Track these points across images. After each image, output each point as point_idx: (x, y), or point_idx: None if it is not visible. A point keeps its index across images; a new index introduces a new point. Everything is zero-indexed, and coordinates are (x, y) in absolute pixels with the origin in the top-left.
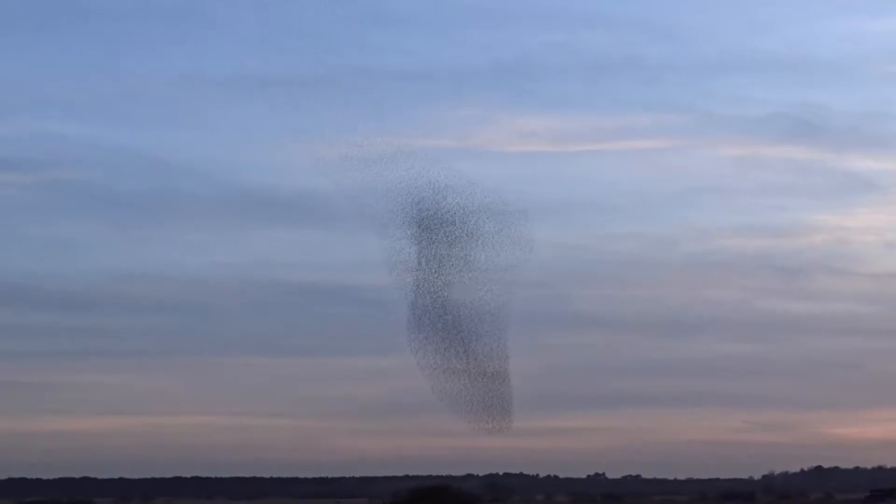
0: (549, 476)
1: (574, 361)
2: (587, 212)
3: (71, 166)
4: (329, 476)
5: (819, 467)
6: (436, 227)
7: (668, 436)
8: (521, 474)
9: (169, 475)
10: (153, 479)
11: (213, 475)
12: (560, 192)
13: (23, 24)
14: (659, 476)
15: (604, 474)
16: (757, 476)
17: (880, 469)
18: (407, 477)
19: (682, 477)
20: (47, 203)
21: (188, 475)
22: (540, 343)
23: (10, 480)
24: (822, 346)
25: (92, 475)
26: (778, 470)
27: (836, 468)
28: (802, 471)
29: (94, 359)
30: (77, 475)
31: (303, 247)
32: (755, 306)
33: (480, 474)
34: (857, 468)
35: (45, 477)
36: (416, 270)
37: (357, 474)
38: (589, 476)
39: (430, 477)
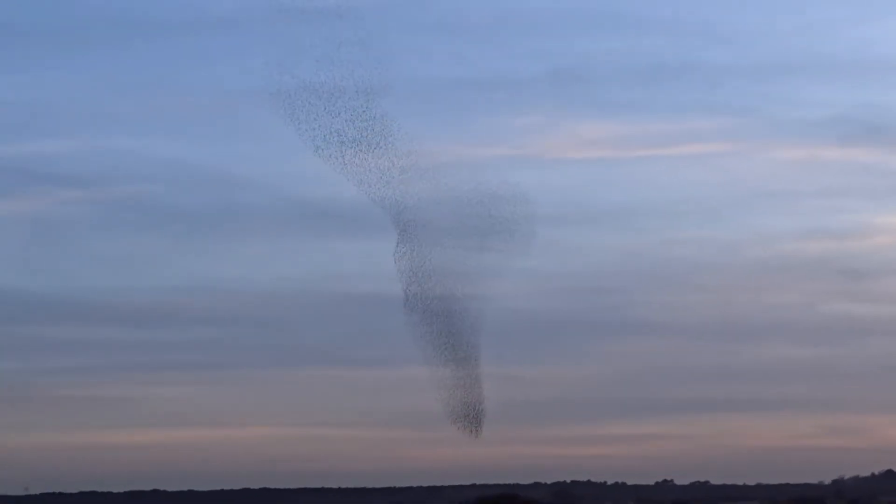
0: (616, 483)
1: (639, 368)
2: (649, 218)
3: (132, 181)
4: (397, 486)
5: (890, 471)
6: (495, 235)
7: (737, 441)
8: (588, 482)
9: (238, 487)
10: (222, 491)
11: (281, 486)
12: (621, 198)
13: (81, 42)
14: (728, 482)
15: (672, 480)
16: (827, 481)
17: None
18: (474, 486)
19: (751, 482)
20: (110, 219)
21: (256, 486)
22: (605, 350)
23: (81, 494)
24: (889, 348)
25: (161, 487)
26: (848, 474)
27: None
28: (873, 475)
29: (160, 372)
30: (147, 488)
31: (366, 257)
32: (819, 310)
33: (548, 482)
34: None
35: (115, 490)
36: (473, 279)
37: (425, 483)
38: (657, 482)
39: (497, 485)
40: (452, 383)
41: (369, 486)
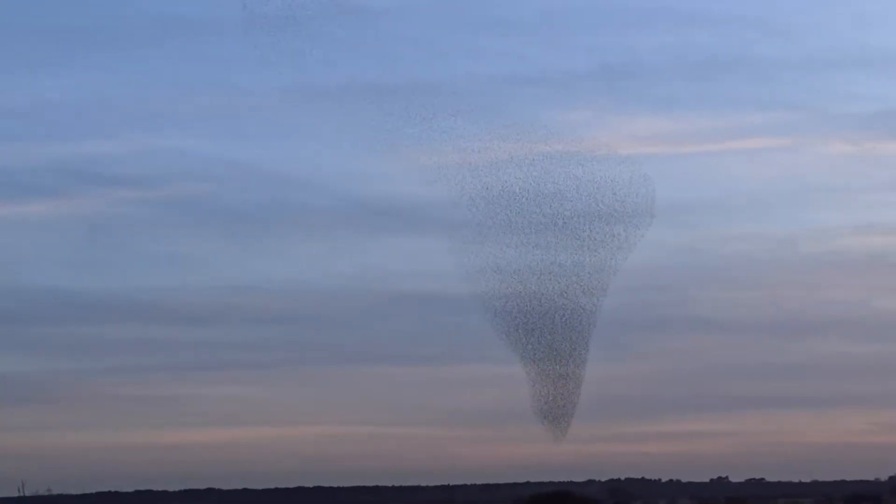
0: (671, 480)
1: (694, 364)
2: (703, 213)
3: (185, 181)
4: (451, 483)
5: None
6: (550, 231)
7: (792, 438)
8: (642, 479)
9: (293, 485)
10: (277, 490)
11: (335, 485)
12: (674, 194)
13: (133, 42)
14: (783, 479)
15: (727, 478)
16: (883, 477)
17: None
18: (528, 483)
19: (806, 479)
20: (163, 218)
21: (311, 485)
22: (660, 347)
23: (137, 492)
24: None
25: (217, 486)
26: None
27: None
28: None
29: (215, 372)
30: (202, 486)
31: (420, 255)
32: (875, 305)
33: (602, 480)
34: None
35: (171, 489)
36: (521, 276)
37: (479, 481)
38: (712, 480)
39: (551, 483)
40: (544, 382)
41: (423, 483)
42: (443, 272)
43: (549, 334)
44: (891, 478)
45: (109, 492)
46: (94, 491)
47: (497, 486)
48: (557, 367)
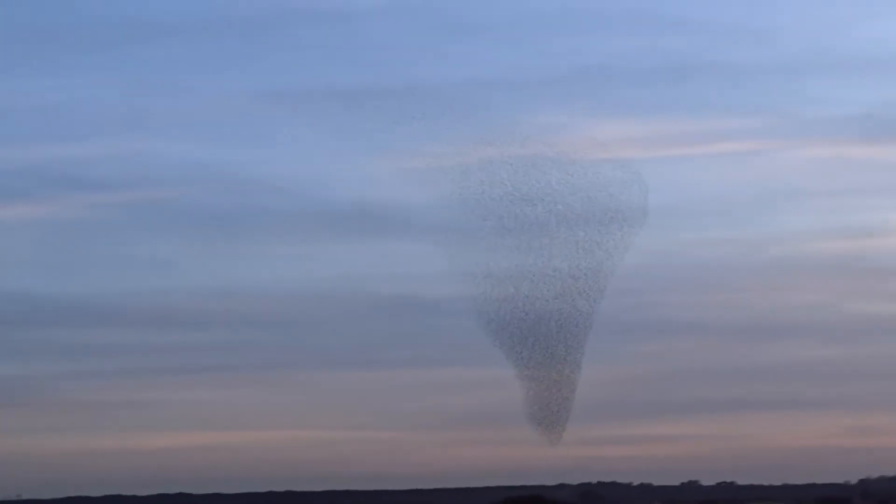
0: (642, 484)
1: (664, 368)
2: (673, 217)
3: (160, 185)
4: (422, 488)
5: None
6: (521, 235)
7: (763, 441)
8: (614, 483)
9: (263, 489)
10: (248, 494)
11: (307, 489)
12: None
13: (107, 45)
14: (754, 482)
15: (698, 481)
16: (853, 481)
17: None
18: (500, 487)
19: (777, 482)
20: (137, 222)
21: (282, 489)
22: (630, 351)
23: (107, 497)
24: None
25: (187, 490)
26: (874, 474)
27: None
28: None
29: (190, 375)
30: (172, 491)
31: (393, 259)
32: (845, 309)
33: (573, 483)
34: None
35: (140, 493)
36: (501, 280)
37: (450, 485)
38: (683, 483)
39: (523, 487)
40: (538, 385)
41: (396, 487)
42: (419, 276)
43: (543, 339)
44: (861, 481)
45: (80, 497)
46: (64, 496)
47: (469, 489)
48: (552, 371)
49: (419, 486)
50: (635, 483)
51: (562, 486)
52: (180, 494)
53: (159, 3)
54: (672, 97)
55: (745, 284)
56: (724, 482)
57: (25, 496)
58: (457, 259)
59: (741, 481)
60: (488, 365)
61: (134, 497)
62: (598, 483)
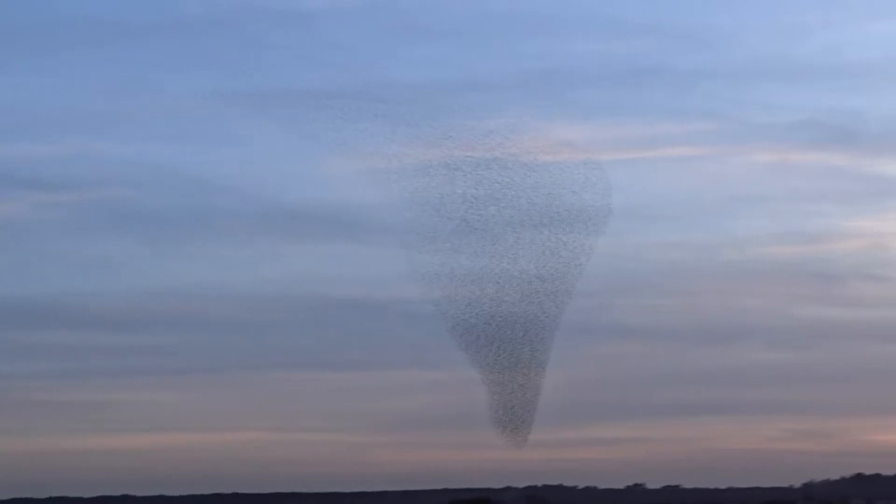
0: (587, 487)
1: (611, 372)
2: (624, 221)
3: (108, 185)
4: (370, 490)
5: (860, 474)
6: (480, 237)
7: (708, 444)
8: (560, 486)
9: (209, 492)
10: (194, 496)
11: (254, 491)
12: (596, 201)
13: (54, 44)
14: (699, 485)
15: (643, 485)
16: (797, 484)
17: None
18: (447, 490)
19: (722, 486)
20: (85, 222)
21: (229, 491)
22: (580, 354)
23: (51, 499)
24: (860, 352)
25: (132, 493)
26: (818, 478)
27: (878, 475)
28: (843, 478)
29: (136, 377)
30: (117, 493)
31: (344, 261)
32: (793, 314)
33: (519, 486)
34: None
35: (86, 495)
36: (457, 283)
37: (399, 488)
38: (628, 487)
39: (469, 490)
40: (503, 389)
41: (346, 490)
42: (367, 278)
43: (508, 342)
44: (804, 484)
45: (24, 498)
46: (7, 497)
47: (416, 492)
48: (517, 374)
49: (366, 489)
50: (580, 486)
51: (508, 489)
52: (124, 497)
53: (109, 2)
54: (621, 102)
55: (696, 289)
56: (670, 486)
57: None
58: (410, 261)
59: (686, 485)
60: (438, 368)
61: (79, 499)
62: (544, 486)
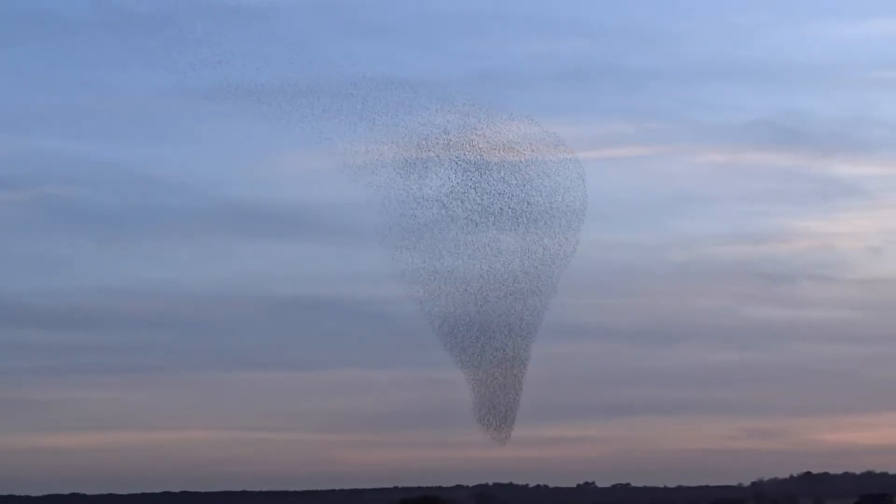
0: (538, 486)
1: (562, 371)
2: (574, 220)
3: (57, 183)
4: (322, 489)
5: (808, 473)
6: (424, 237)
7: (658, 444)
8: (510, 484)
9: (159, 490)
10: (143, 495)
11: (203, 490)
12: (545, 201)
13: (5, 41)
14: (649, 484)
15: (594, 483)
16: (746, 483)
17: (869, 474)
18: (398, 489)
19: (671, 485)
20: (34, 220)
21: (177, 490)
22: (530, 354)
23: (1, 498)
24: (809, 352)
25: (81, 491)
26: (767, 476)
27: (826, 474)
28: (791, 477)
29: (84, 375)
30: (66, 491)
31: (296, 260)
32: (742, 314)
33: (470, 485)
34: (846, 473)
35: (34, 494)
36: (413, 283)
37: (349, 486)
38: (579, 485)
39: (419, 488)
40: (486, 387)
41: (293, 489)
42: (318, 276)
43: (490, 339)
44: (753, 483)
45: None
46: None
47: (367, 491)
48: (499, 371)
49: (316, 488)
50: (531, 485)
51: (458, 488)
52: (73, 495)
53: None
54: (571, 101)
55: (645, 288)
56: (620, 484)
57: None
58: (357, 260)
59: (636, 483)
60: (387, 367)
61: (27, 497)
62: (495, 485)
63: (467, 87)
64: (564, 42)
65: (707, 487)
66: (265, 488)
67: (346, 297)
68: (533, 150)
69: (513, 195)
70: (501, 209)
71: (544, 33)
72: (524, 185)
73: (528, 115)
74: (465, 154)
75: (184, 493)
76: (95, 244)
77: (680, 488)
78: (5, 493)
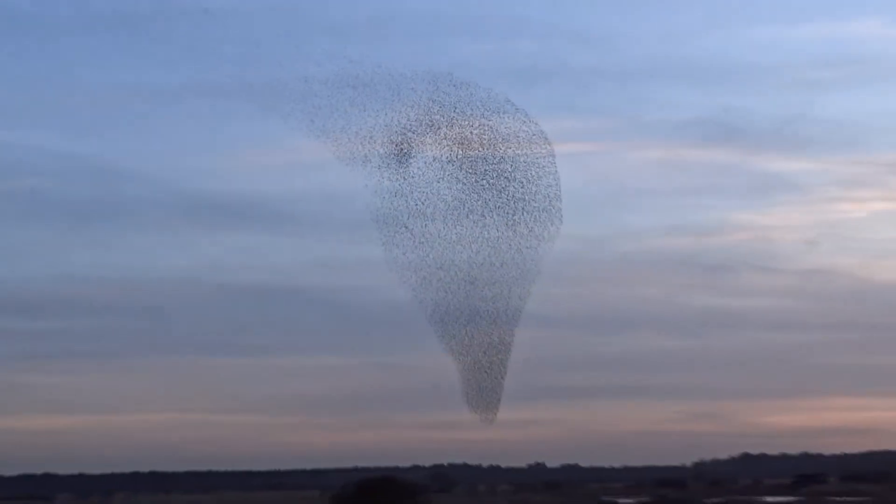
0: (491, 466)
1: (514, 357)
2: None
3: (19, 174)
4: (281, 469)
5: (747, 454)
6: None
7: (605, 426)
8: (464, 465)
9: (128, 470)
10: (112, 475)
11: (169, 470)
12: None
13: None
14: (596, 464)
15: (544, 463)
16: (688, 463)
17: (805, 455)
18: (356, 469)
19: (618, 465)
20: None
21: (146, 470)
22: (483, 341)
23: None
24: (747, 339)
25: (53, 471)
26: (708, 457)
27: (763, 455)
28: (731, 458)
29: (48, 361)
30: (38, 471)
31: (249, 250)
32: (684, 302)
33: (426, 465)
34: (782, 455)
35: (5, 474)
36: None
37: (308, 467)
38: (530, 465)
39: (377, 469)
40: (475, 371)
41: (254, 469)
42: (273, 266)
43: (474, 326)
44: (695, 463)
45: None
46: None
47: (325, 471)
48: (485, 357)
49: (278, 468)
50: (485, 465)
51: (415, 468)
52: (45, 475)
53: None
54: (519, 100)
55: (593, 278)
56: (568, 464)
57: None
58: (310, 250)
59: (584, 463)
60: (343, 352)
61: (1, 478)
62: (450, 465)
63: (419, 85)
64: (512, 42)
65: (651, 468)
66: (228, 468)
67: (299, 285)
68: (511, 145)
69: (492, 188)
70: (479, 202)
71: (492, 33)
72: (505, 177)
73: (478, 113)
74: (415, 151)
75: (153, 473)
76: (56, 233)
77: (626, 468)
78: None
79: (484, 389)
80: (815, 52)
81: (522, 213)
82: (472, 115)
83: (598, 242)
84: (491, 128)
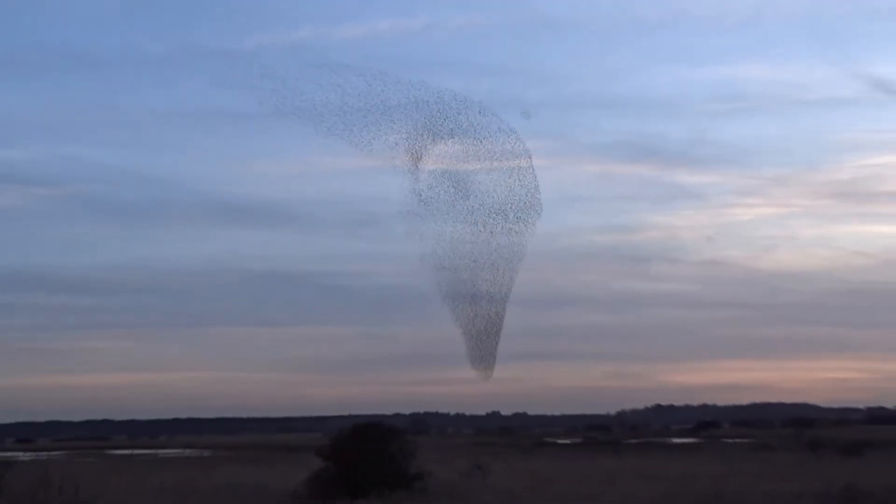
0: (457, 414)
1: (476, 328)
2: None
3: (82, 182)
4: (292, 416)
5: (658, 405)
6: (370, 227)
7: (548, 382)
8: (437, 412)
9: (169, 417)
10: (157, 420)
11: (202, 416)
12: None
13: (44, 70)
14: (540, 413)
15: (499, 412)
16: (612, 412)
17: (704, 406)
18: (350, 416)
19: (557, 413)
20: (64, 210)
21: (184, 417)
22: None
23: (49, 422)
24: (660, 315)
25: (110, 417)
26: (628, 408)
27: (672, 405)
28: (646, 408)
29: (106, 330)
30: (98, 417)
31: (262, 243)
32: (611, 286)
33: (406, 413)
34: (686, 405)
35: (73, 419)
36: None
37: (313, 414)
38: (487, 413)
39: (366, 416)
40: (475, 339)
41: (270, 416)
42: (280, 255)
43: (476, 304)
44: (617, 412)
45: (23, 423)
46: (13, 421)
47: (327, 418)
48: (484, 327)
49: (289, 415)
50: (452, 413)
51: (397, 415)
52: (104, 421)
53: (81, 35)
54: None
55: (542, 266)
56: (519, 413)
57: None
58: (312, 244)
59: (531, 412)
60: (339, 324)
61: (69, 422)
62: (425, 413)
63: (406, 112)
64: (476, 80)
65: (583, 415)
66: (248, 415)
67: (306, 271)
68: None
69: (485, 197)
70: (478, 202)
71: (460, 73)
72: (494, 188)
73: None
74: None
75: (189, 419)
76: (110, 229)
77: (563, 416)
78: (50, 418)
79: (484, 353)
80: (712, 90)
81: (511, 208)
82: (468, 135)
83: (548, 238)
84: (485, 146)
